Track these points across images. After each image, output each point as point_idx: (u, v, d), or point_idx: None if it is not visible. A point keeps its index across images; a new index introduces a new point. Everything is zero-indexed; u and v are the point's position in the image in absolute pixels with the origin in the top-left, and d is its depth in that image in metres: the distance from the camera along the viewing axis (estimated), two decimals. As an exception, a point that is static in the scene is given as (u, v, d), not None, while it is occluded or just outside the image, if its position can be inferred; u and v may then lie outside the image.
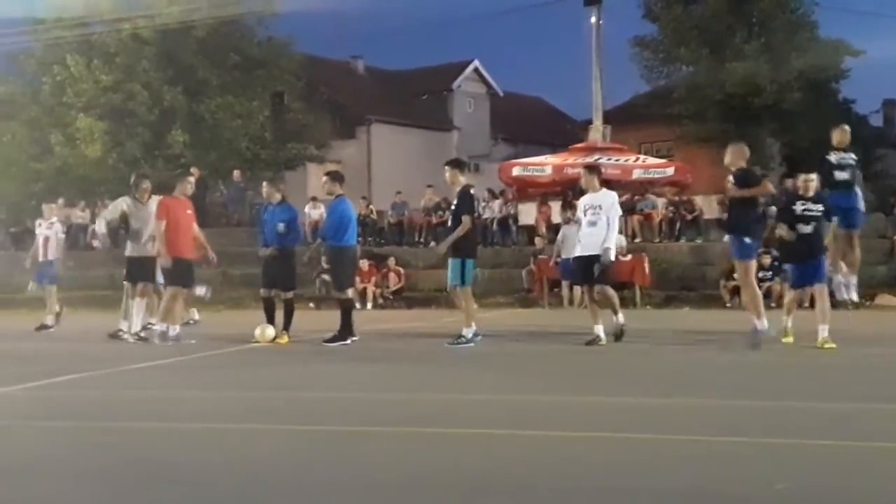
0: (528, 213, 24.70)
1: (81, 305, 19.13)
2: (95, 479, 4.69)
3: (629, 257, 20.31)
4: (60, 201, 27.53)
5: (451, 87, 41.78)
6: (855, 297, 11.47)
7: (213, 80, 29.81)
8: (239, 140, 29.68)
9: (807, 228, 10.45)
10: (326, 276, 18.79)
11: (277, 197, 12.31)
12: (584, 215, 11.10)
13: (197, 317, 14.56)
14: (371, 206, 26.26)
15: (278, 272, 11.96)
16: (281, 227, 11.89)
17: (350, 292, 11.90)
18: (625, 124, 31.69)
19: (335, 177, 12.10)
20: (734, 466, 4.69)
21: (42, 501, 4.37)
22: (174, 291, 11.80)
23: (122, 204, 12.51)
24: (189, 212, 12.11)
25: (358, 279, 17.64)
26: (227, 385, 8.27)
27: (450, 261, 11.24)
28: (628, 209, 23.62)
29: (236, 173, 27.92)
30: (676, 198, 24.19)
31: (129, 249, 12.37)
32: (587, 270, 11.07)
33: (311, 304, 20.13)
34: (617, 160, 24.57)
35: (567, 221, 18.45)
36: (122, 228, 12.59)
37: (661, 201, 24.17)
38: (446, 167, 11.61)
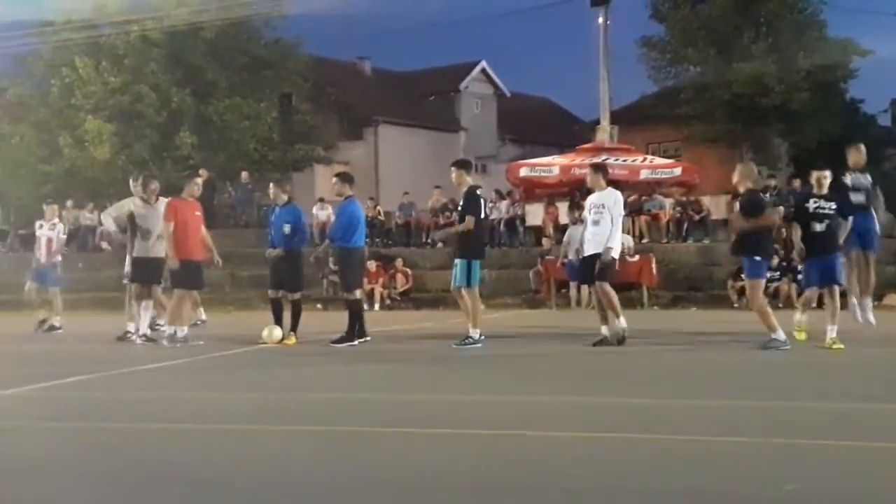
0: (535, 214, 24.68)
1: (90, 307, 19.21)
2: (103, 480, 4.72)
3: (637, 258, 20.31)
4: (69, 203, 27.73)
5: (458, 88, 41.79)
6: (872, 319, 11.31)
7: (222, 82, 29.86)
8: (247, 141, 29.72)
9: (820, 226, 10.39)
10: (335, 278, 18.81)
11: (284, 198, 12.35)
12: (589, 214, 11.12)
13: (204, 317, 14.59)
14: (378, 207, 26.27)
15: (285, 273, 11.99)
16: (286, 228, 11.93)
17: (358, 293, 11.90)
18: (632, 125, 31.66)
19: (345, 178, 12.14)
20: (741, 467, 4.70)
21: (50, 502, 4.40)
22: (181, 293, 11.84)
23: (130, 204, 12.51)
24: (197, 213, 12.14)
25: (365, 280, 17.66)
26: (235, 386, 8.30)
27: (456, 261, 11.26)
28: (636, 210, 23.63)
29: (244, 175, 27.96)
30: (684, 198, 24.16)
31: (137, 250, 12.39)
32: (591, 269, 11.08)
33: (319, 306, 20.16)
34: (624, 160, 24.52)
35: (574, 222, 18.45)
36: (126, 229, 12.57)
37: (668, 202, 24.14)
38: (452, 168, 11.62)
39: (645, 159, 25.57)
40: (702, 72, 30.95)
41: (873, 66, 31.09)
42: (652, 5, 32.21)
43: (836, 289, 10.49)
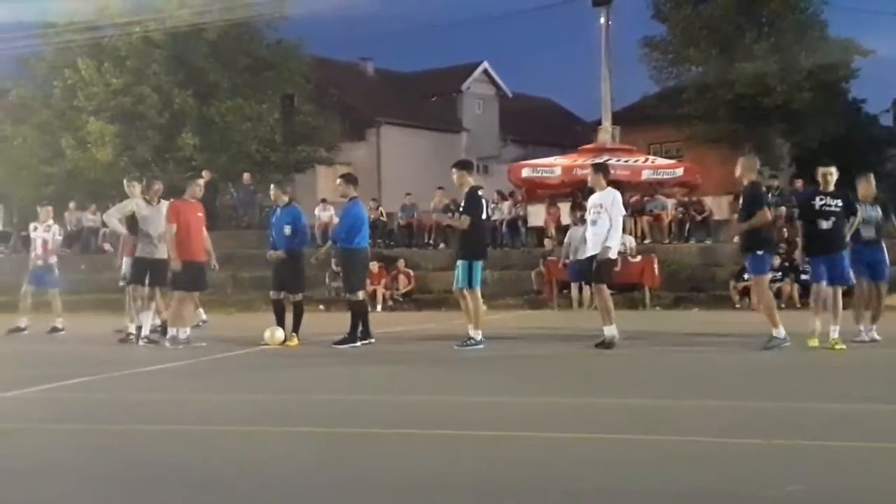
0: (537, 215, 24.68)
1: (92, 308, 19.23)
2: (105, 482, 4.73)
3: (639, 258, 20.31)
4: (72, 204, 27.76)
5: (460, 89, 41.80)
6: (877, 336, 11.22)
7: (224, 83, 29.89)
8: (249, 142, 29.74)
9: (826, 224, 10.37)
10: (337, 283, 18.83)
11: (284, 199, 12.37)
12: (589, 214, 11.12)
13: (205, 317, 14.60)
14: (381, 208, 26.29)
15: (287, 275, 12.00)
16: (287, 229, 11.95)
17: (361, 295, 11.90)
18: (634, 125, 31.66)
19: (349, 179, 12.16)
20: (742, 467, 4.70)
21: (52, 503, 4.41)
22: (182, 295, 11.85)
23: (132, 205, 12.51)
24: (200, 214, 12.15)
25: (368, 281, 17.68)
26: (236, 388, 8.31)
27: (458, 262, 11.27)
28: (638, 210, 23.62)
29: (246, 176, 27.97)
30: (686, 199, 24.16)
31: (139, 251, 12.39)
32: (590, 270, 11.08)
33: (321, 307, 20.17)
34: (626, 161, 24.55)
35: (576, 223, 18.44)
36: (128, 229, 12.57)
37: (670, 202, 24.13)
38: (454, 169, 11.62)
39: (647, 160, 25.59)
40: (704, 72, 30.95)
41: (875, 66, 31.14)
42: (653, 5, 32.24)
43: (840, 289, 10.48)
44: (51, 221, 15.41)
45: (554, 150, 30.90)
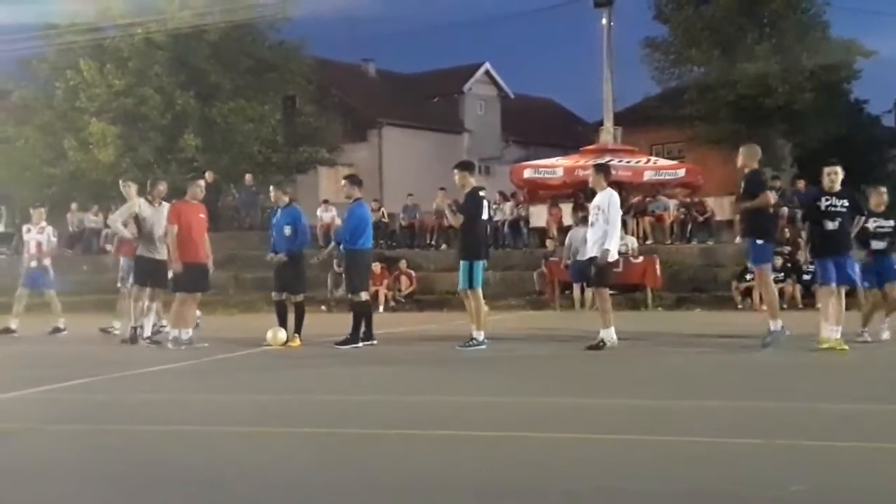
0: (539, 216, 24.69)
1: (94, 309, 19.24)
2: (107, 482, 4.74)
3: (640, 259, 20.31)
4: (74, 205, 27.79)
5: (461, 90, 41.81)
6: (885, 336, 11.20)
7: (226, 84, 29.91)
8: (251, 144, 29.76)
9: (832, 224, 10.26)
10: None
11: (285, 200, 12.40)
12: (590, 216, 11.13)
13: (198, 313, 14.46)
14: (382, 209, 26.30)
15: (288, 276, 12.03)
16: (287, 229, 11.98)
17: (363, 296, 11.90)
18: (636, 126, 31.66)
19: (354, 180, 12.19)
20: (743, 468, 4.71)
21: (55, 504, 4.43)
22: (184, 296, 11.87)
23: (135, 207, 12.52)
24: (202, 216, 12.17)
25: (370, 282, 17.69)
26: (239, 388, 8.32)
27: (460, 263, 11.29)
28: (640, 211, 23.64)
29: (248, 177, 28.00)
30: (688, 199, 24.16)
31: (140, 251, 12.40)
32: (587, 272, 11.06)
33: (323, 308, 20.18)
34: (628, 162, 24.57)
35: (577, 223, 18.45)
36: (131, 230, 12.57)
37: (672, 203, 24.13)
38: (455, 170, 11.63)
39: (648, 160, 25.60)
40: (705, 72, 30.94)
41: (877, 67, 31.10)
42: (655, 6, 32.23)
43: (843, 290, 10.45)
44: (44, 223, 15.29)
45: (556, 151, 30.90)
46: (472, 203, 11.24)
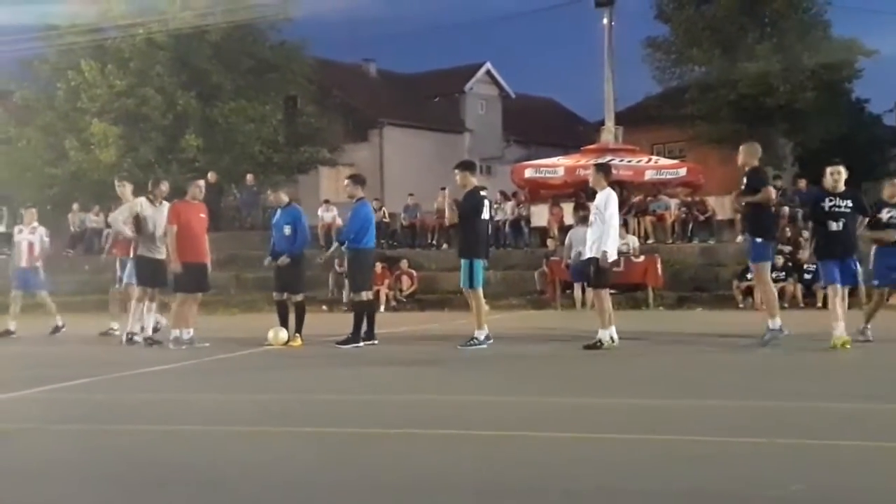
0: (540, 215, 24.68)
1: (95, 309, 19.25)
2: (108, 482, 4.74)
3: (642, 258, 20.30)
4: (75, 206, 27.80)
5: (463, 90, 41.81)
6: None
7: (227, 85, 29.91)
8: (252, 144, 29.76)
9: (836, 225, 10.17)
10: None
11: (285, 200, 12.42)
12: (590, 215, 11.12)
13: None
14: (384, 209, 26.30)
15: (288, 276, 12.05)
16: (287, 229, 12.00)
17: (364, 295, 11.90)
18: (637, 125, 31.67)
19: (357, 180, 12.22)
20: (744, 467, 4.71)
21: (56, 504, 4.43)
22: (185, 297, 11.88)
23: (137, 206, 12.53)
24: (202, 215, 12.18)
25: (373, 282, 17.68)
26: (240, 388, 8.32)
27: (460, 262, 11.30)
28: (641, 210, 23.63)
29: (249, 177, 28.01)
30: (689, 199, 24.15)
31: (141, 249, 12.39)
32: (587, 272, 11.05)
33: (324, 307, 20.19)
34: (629, 161, 24.56)
35: (579, 223, 18.44)
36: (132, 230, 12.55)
37: (673, 202, 24.12)
38: (456, 170, 11.63)
39: (650, 160, 25.59)
40: (706, 72, 30.93)
41: (878, 66, 31.09)
42: (656, 6, 32.22)
43: (846, 289, 10.41)
44: (35, 223, 15.21)
45: (557, 151, 30.91)
46: (470, 202, 11.26)
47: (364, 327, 11.71)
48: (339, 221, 24.31)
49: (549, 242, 22.70)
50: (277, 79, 31.44)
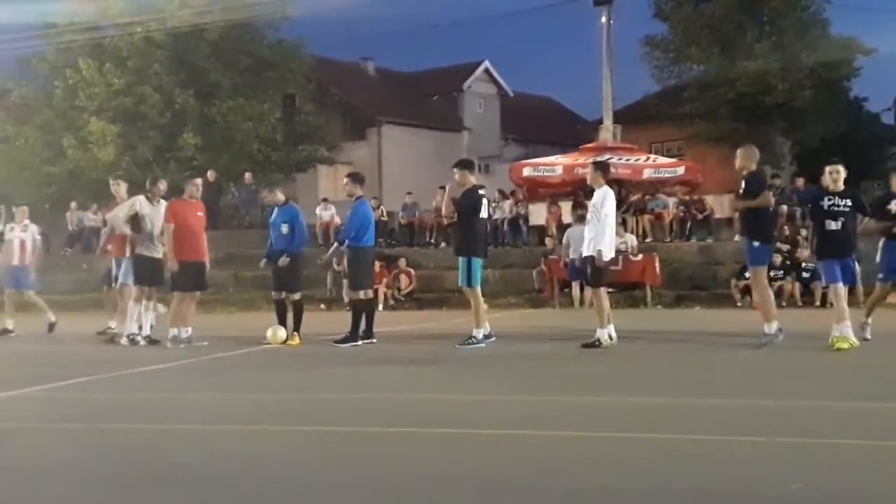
0: (538, 214, 24.67)
1: (94, 308, 19.24)
2: (107, 481, 4.74)
3: (640, 257, 20.30)
4: (73, 204, 27.77)
5: (461, 88, 41.78)
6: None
7: (225, 83, 29.89)
8: (250, 142, 29.74)
9: (835, 224, 10.10)
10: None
11: (281, 198, 12.43)
12: (588, 213, 11.09)
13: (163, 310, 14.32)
14: (382, 208, 26.28)
15: (285, 275, 12.04)
16: (284, 227, 12.01)
17: (362, 294, 11.89)
18: (635, 124, 31.65)
19: (356, 178, 12.24)
20: (744, 466, 4.71)
21: (54, 503, 4.42)
22: (182, 295, 11.87)
23: (137, 205, 12.50)
24: (200, 214, 12.17)
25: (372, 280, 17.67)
26: (238, 387, 8.31)
27: (458, 260, 11.30)
28: (639, 209, 23.63)
29: (248, 175, 27.99)
30: (687, 197, 24.16)
31: (140, 248, 12.37)
32: (584, 271, 11.03)
33: (322, 306, 20.18)
34: (627, 160, 24.56)
35: (576, 221, 18.44)
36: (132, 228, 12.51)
37: (671, 201, 24.12)
38: (455, 168, 11.64)
39: (648, 158, 25.60)
40: (705, 70, 30.92)
41: (877, 65, 31.08)
42: (655, 4, 32.20)
43: (846, 289, 10.37)
44: (27, 221, 15.16)
45: (555, 149, 30.91)
46: (469, 200, 11.26)
47: (363, 326, 11.72)
48: (337, 220, 24.31)
49: (548, 241, 22.69)
50: (276, 77, 31.41)
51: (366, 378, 8.90)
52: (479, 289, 11.26)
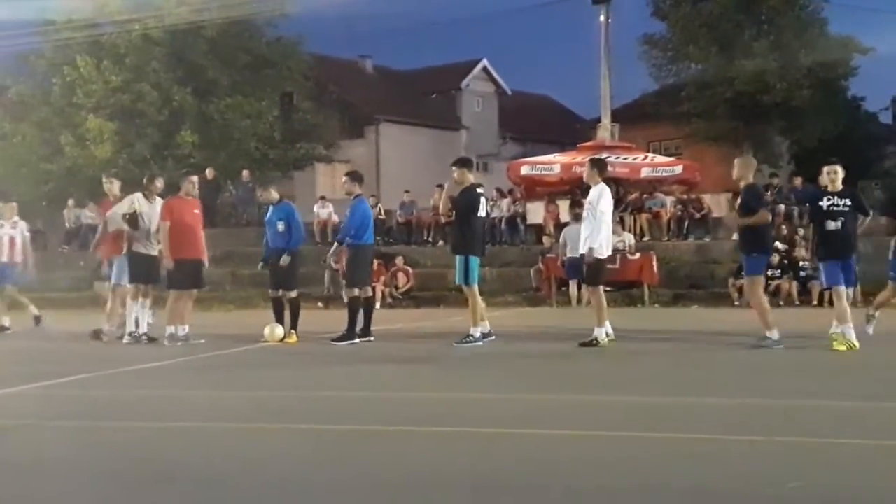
0: (536, 212, 24.66)
1: (91, 305, 19.22)
2: (104, 478, 4.73)
3: (637, 256, 20.30)
4: (70, 201, 27.74)
5: (459, 87, 41.78)
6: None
7: (223, 80, 29.87)
8: (248, 140, 29.72)
9: (834, 224, 10.04)
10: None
11: (275, 196, 12.43)
12: (584, 211, 11.08)
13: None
14: (380, 206, 26.26)
15: (281, 272, 12.03)
16: (280, 225, 12.00)
17: (357, 291, 11.88)
18: (633, 123, 31.65)
19: (354, 177, 12.25)
20: (742, 465, 4.71)
21: (52, 500, 4.41)
22: (179, 293, 11.85)
23: (136, 202, 12.47)
24: (196, 211, 12.15)
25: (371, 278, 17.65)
26: (235, 384, 8.30)
27: (455, 258, 11.29)
28: (637, 208, 23.63)
29: (245, 173, 27.95)
30: (685, 196, 24.16)
31: (136, 246, 12.34)
32: (580, 270, 11.01)
33: (320, 304, 20.16)
34: (625, 158, 24.56)
35: (574, 220, 18.45)
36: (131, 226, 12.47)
37: (669, 199, 24.12)
38: (454, 167, 11.61)
39: (646, 157, 25.61)
40: (703, 69, 30.95)
41: (874, 64, 31.15)
42: (653, 3, 32.23)
43: (848, 290, 10.35)
44: (16, 218, 15.05)
45: (553, 148, 30.95)
46: (467, 198, 11.25)
47: (360, 324, 11.71)
48: (335, 218, 24.28)
49: (545, 240, 22.69)
50: (274, 75, 31.40)
51: (363, 376, 8.89)
52: (476, 287, 11.25)
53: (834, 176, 10.26)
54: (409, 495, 4.36)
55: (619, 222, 21.19)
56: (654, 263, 20.34)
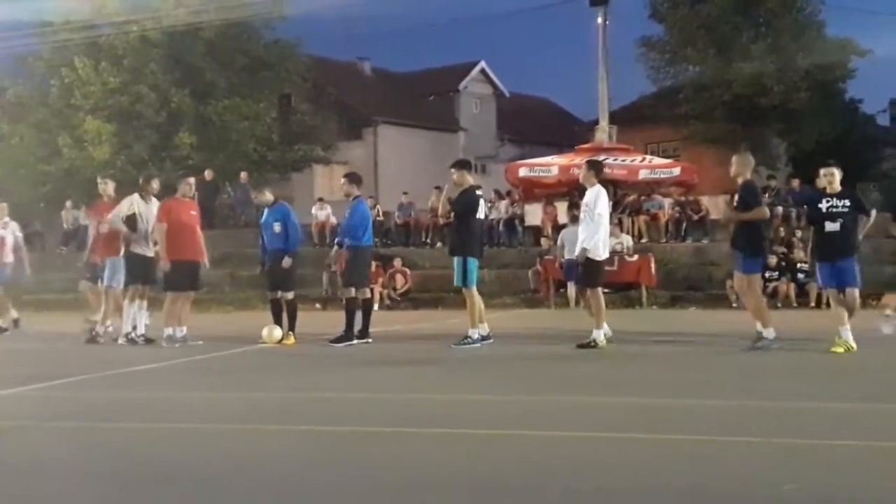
0: (534, 214, 24.69)
1: (87, 307, 19.21)
2: (103, 479, 4.73)
3: (635, 257, 20.32)
4: (68, 203, 27.73)
5: (457, 88, 41.80)
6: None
7: (221, 82, 29.85)
8: (246, 142, 29.71)
9: (833, 226, 10.03)
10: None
11: (270, 198, 12.41)
12: (581, 213, 11.08)
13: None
14: (378, 207, 26.26)
15: (278, 274, 12.03)
16: (276, 226, 12.00)
17: (354, 292, 11.88)
18: (631, 125, 31.67)
19: (353, 178, 12.26)
20: (739, 466, 4.71)
21: (51, 501, 4.42)
22: (175, 295, 11.85)
23: (134, 204, 12.47)
24: (193, 213, 12.16)
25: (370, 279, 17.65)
26: (233, 386, 8.31)
27: (454, 260, 11.30)
28: (635, 210, 23.64)
29: (243, 175, 27.94)
30: (683, 198, 24.17)
31: (133, 247, 12.33)
32: (577, 271, 11.01)
33: (318, 305, 20.17)
34: (623, 160, 24.54)
35: (571, 222, 18.45)
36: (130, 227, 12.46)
37: (667, 202, 24.14)
38: (453, 168, 11.62)
39: (644, 159, 25.57)
40: (701, 72, 30.96)
41: (872, 66, 31.17)
42: (651, 5, 32.23)
43: (852, 291, 10.33)
44: (7, 218, 15.07)
45: (551, 150, 30.90)
46: (465, 199, 11.26)
47: (359, 325, 11.72)
48: (333, 220, 24.28)
49: (543, 241, 22.71)
50: (272, 77, 31.39)
51: (361, 377, 8.89)
52: (475, 288, 11.26)
53: (831, 178, 10.26)
54: (407, 496, 4.36)
55: (618, 224, 21.21)
56: (652, 265, 20.36)
